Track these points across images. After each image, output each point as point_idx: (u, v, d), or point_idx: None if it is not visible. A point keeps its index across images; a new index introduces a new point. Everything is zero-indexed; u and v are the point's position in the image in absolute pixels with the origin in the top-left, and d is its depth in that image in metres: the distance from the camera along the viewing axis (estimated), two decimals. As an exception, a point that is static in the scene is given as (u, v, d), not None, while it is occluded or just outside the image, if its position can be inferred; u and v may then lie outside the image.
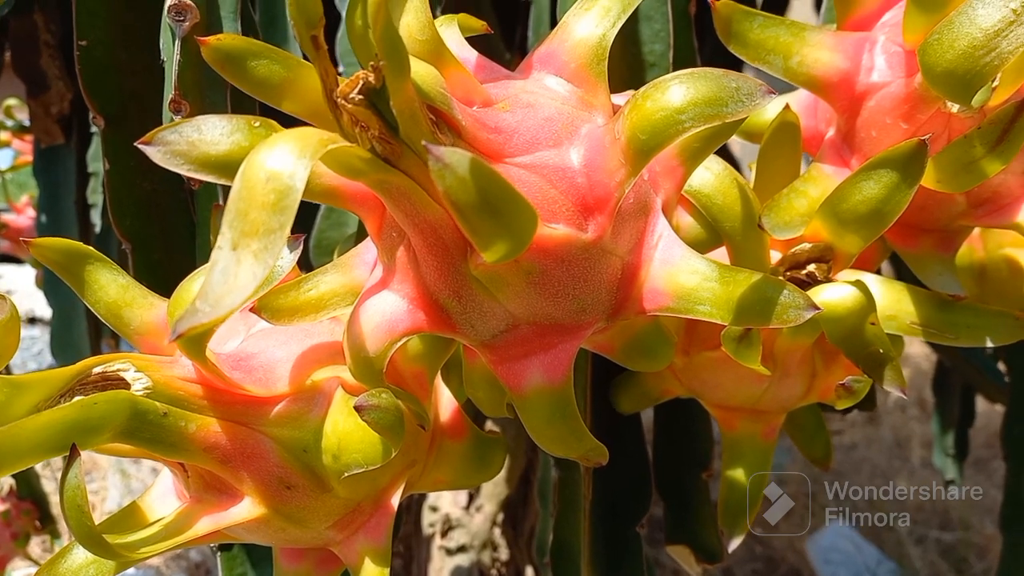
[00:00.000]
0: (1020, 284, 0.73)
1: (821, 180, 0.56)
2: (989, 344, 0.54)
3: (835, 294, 0.50)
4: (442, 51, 0.44)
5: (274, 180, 0.33)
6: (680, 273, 0.46)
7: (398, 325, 0.46)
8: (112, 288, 0.57)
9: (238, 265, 0.33)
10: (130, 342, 0.58)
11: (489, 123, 0.43)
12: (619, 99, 0.53)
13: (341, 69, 0.73)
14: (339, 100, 0.37)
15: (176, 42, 0.56)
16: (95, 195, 1.42)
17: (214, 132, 0.39)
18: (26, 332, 3.73)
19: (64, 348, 1.57)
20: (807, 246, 0.54)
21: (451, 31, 0.53)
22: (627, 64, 0.64)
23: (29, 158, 2.30)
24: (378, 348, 0.46)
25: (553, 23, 0.73)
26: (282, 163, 0.34)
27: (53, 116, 1.53)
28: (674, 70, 0.66)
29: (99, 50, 0.65)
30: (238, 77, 0.45)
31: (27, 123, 2.05)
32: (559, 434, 0.48)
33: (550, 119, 0.45)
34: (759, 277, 0.44)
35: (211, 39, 0.44)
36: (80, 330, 1.51)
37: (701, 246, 0.54)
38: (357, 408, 0.44)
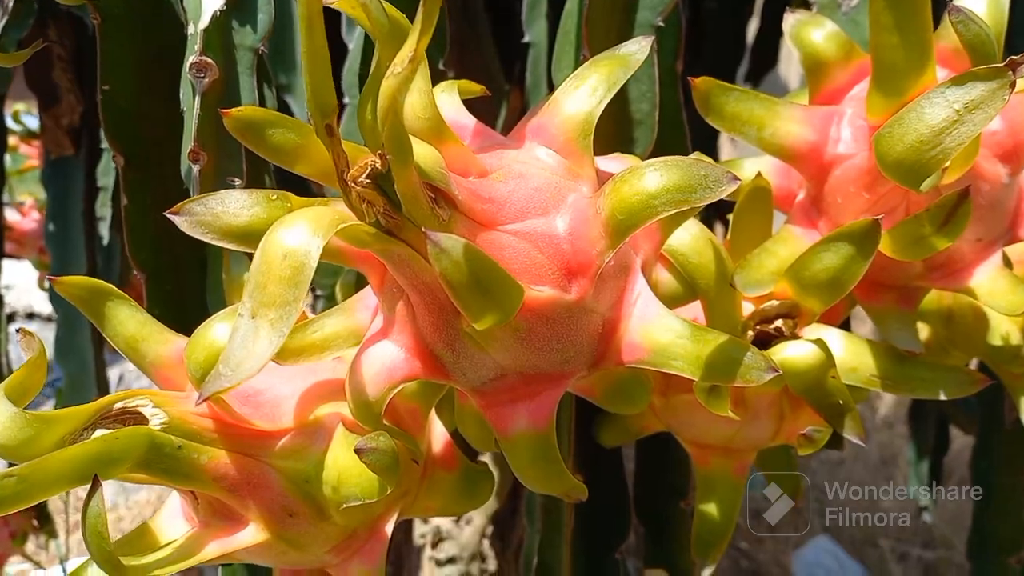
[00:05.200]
0: (983, 329, 0.77)
1: (790, 241, 0.60)
2: (943, 396, 0.59)
3: (797, 351, 0.55)
4: (442, 128, 0.48)
5: (290, 257, 0.38)
6: (656, 330, 0.50)
7: (396, 372, 0.50)
8: (131, 324, 0.61)
9: (256, 333, 0.37)
10: (145, 373, 0.62)
11: (483, 194, 0.48)
12: (605, 162, 0.58)
13: (346, 100, 0.77)
14: (349, 182, 0.41)
15: (196, 97, 0.61)
16: (103, 208, 1.46)
17: (236, 205, 0.43)
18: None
19: (68, 353, 1.61)
20: (775, 303, 0.58)
21: (451, 98, 0.57)
22: (615, 120, 0.69)
23: (35, 163, 2.35)
24: (378, 393, 0.50)
25: (550, 61, 0.78)
26: (298, 241, 0.38)
27: (64, 128, 1.57)
28: (660, 125, 0.71)
29: (122, 97, 0.70)
30: (256, 144, 0.50)
31: (33, 127, 2.10)
32: (541, 474, 0.52)
33: (539, 189, 0.49)
34: (726, 339, 0.48)
35: (233, 111, 0.49)
36: (84, 335, 1.55)
37: (677, 300, 0.59)
38: (357, 451, 0.48)
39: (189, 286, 0.76)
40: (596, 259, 0.48)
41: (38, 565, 2.62)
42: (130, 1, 0.70)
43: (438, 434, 0.66)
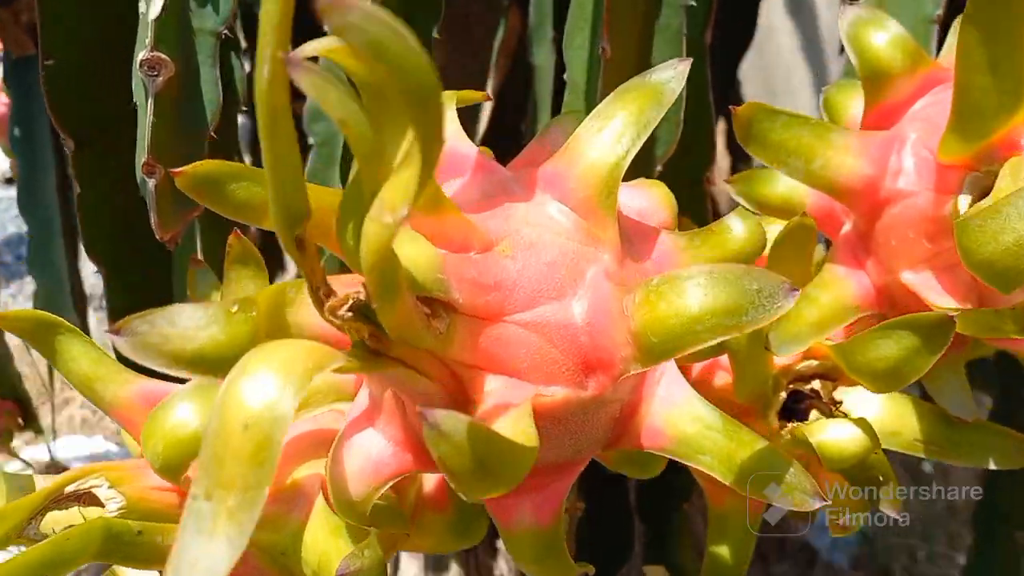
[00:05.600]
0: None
1: (833, 285, 0.53)
2: (992, 465, 0.53)
3: (839, 435, 0.48)
4: (439, 199, 0.40)
5: (253, 428, 0.30)
6: (682, 418, 0.44)
7: (384, 469, 0.43)
8: (84, 361, 0.54)
9: (213, 525, 0.30)
10: (105, 413, 0.56)
11: (488, 281, 0.40)
12: (628, 194, 0.49)
13: (311, 141, 0.68)
14: (327, 312, 0.33)
15: (149, 100, 0.51)
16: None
17: (188, 324, 0.35)
18: (3, 192, 3.69)
19: (42, 265, 1.54)
20: (814, 363, 0.51)
21: (448, 120, 0.48)
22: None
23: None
24: (362, 493, 0.44)
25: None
26: (263, 402, 0.31)
27: (23, 25, 1.44)
28: (686, 105, 0.62)
29: (70, 70, 0.60)
30: (217, 203, 0.41)
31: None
32: (545, 570, 0.47)
33: (553, 264, 0.41)
34: (766, 446, 0.42)
35: (186, 169, 0.40)
36: (57, 248, 1.48)
37: (702, 355, 0.52)
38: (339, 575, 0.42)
39: (153, 276, 0.69)
40: (619, 364, 0.40)
41: (28, 465, 2.64)
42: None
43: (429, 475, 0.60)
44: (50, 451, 2.25)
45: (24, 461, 2.58)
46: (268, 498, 0.49)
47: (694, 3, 0.57)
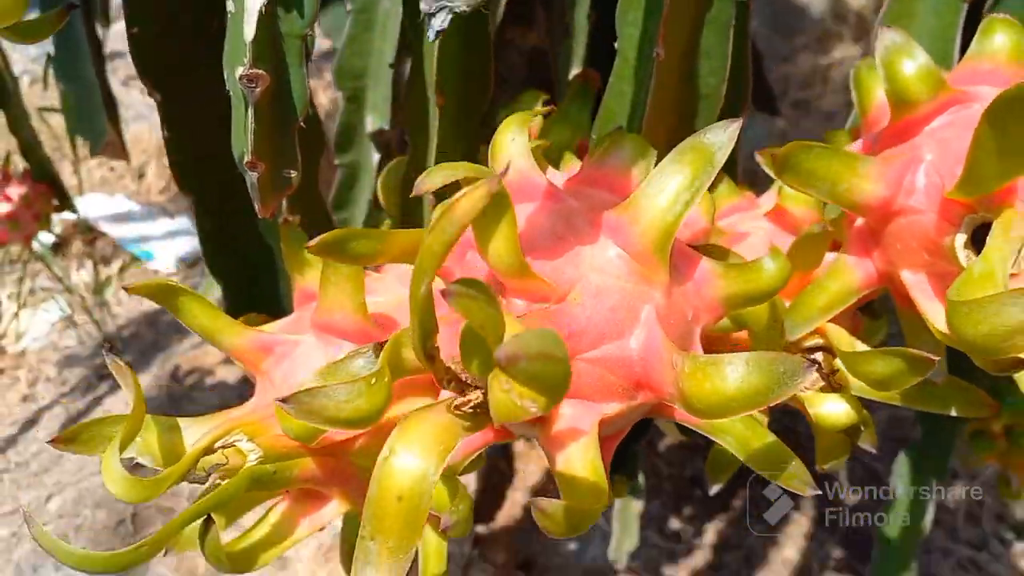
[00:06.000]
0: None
1: (842, 274, 0.62)
2: (954, 413, 0.65)
3: (832, 410, 0.60)
4: (523, 270, 0.48)
5: (405, 500, 0.42)
6: (712, 410, 0.55)
7: (473, 442, 0.55)
8: (204, 318, 0.65)
9: (378, 562, 0.43)
10: (228, 355, 0.67)
11: (564, 332, 0.49)
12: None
13: (348, 7, 0.71)
14: (452, 407, 0.44)
15: (249, 109, 0.57)
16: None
17: (341, 398, 0.45)
18: None
19: (72, 79, 1.57)
20: (820, 342, 0.62)
21: (521, 150, 0.55)
22: (682, 93, 0.65)
23: None
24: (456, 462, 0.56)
25: None
26: (412, 478, 0.42)
27: None
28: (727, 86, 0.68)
29: (150, 39, 0.64)
30: (340, 256, 0.50)
31: None
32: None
33: (615, 309, 0.51)
34: (775, 440, 0.53)
35: (314, 243, 0.48)
36: (84, 61, 1.50)
37: (723, 330, 0.62)
38: (443, 530, 0.56)
39: (229, 199, 0.77)
40: (665, 389, 0.51)
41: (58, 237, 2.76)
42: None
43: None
44: (77, 211, 2.36)
45: (55, 235, 2.71)
46: (368, 432, 0.63)
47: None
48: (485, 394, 0.43)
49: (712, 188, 0.73)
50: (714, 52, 0.63)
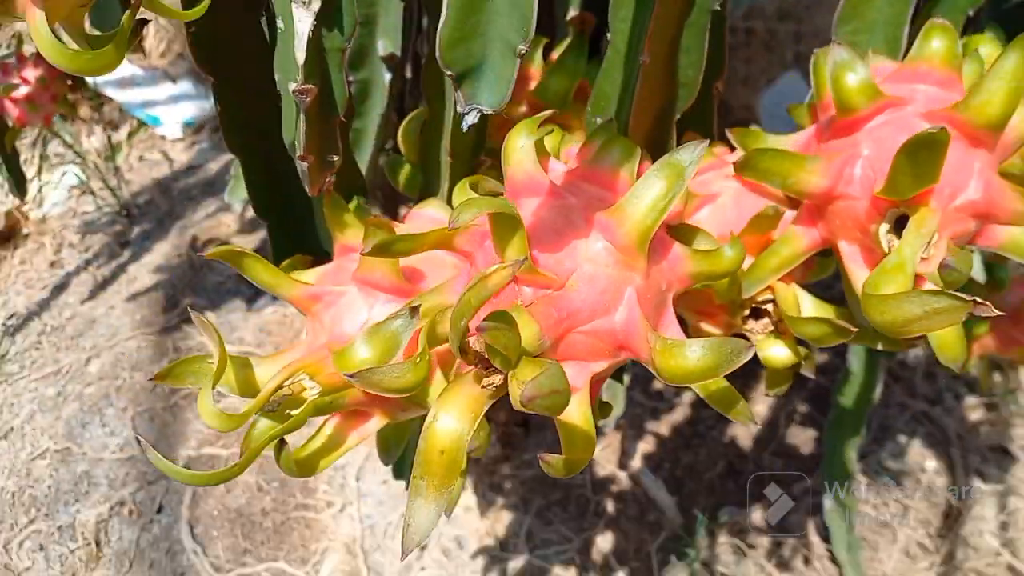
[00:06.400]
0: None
1: (792, 241, 0.75)
2: (880, 347, 0.80)
3: (776, 352, 0.75)
4: (531, 268, 0.61)
5: (447, 453, 0.58)
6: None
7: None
8: (265, 275, 0.78)
9: (426, 495, 0.58)
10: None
11: (563, 314, 0.63)
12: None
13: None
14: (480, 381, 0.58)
15: (301, 115, 0.68)
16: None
17: (394, 373, 0.60)
18: None
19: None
20: (770, 298, 0.76)
21: (528, 155, 0.67)
22: (665, 82, 0.76)
23: None
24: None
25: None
26: (451, 437, 0.58)
27: None
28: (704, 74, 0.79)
29: (208, 35, 0.74)
30: (389, 254, 0.64)
31: None
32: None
33: (604, 291, 0.64)
34: (726, 385, 0.69)
35: (368, 247, 0.61)
36: None
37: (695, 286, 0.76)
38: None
39: (274, 160, 0.89)
40: (641, 353, 0.65)
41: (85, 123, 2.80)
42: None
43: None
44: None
45: (82, 119, 2.76)
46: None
47: (719, 7, 0.70)
48: (503, 377, 0.58)
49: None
50: (692, 49, 0.73)
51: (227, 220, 2.48)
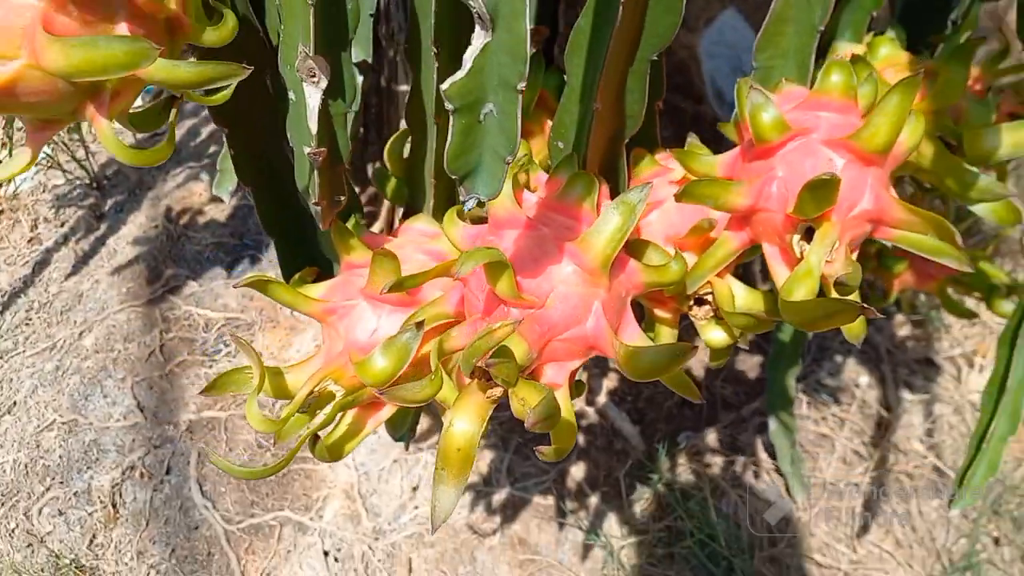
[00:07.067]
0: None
1: (725, 244, 0.92)
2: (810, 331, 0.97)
3: (715, 335, 0.92)
4: (517, 295, 0.77)
5: (462, 450, 0.74)
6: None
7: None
8: (286, 296, 0.93)
9: (447, 482, 0.75)
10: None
11: (544, 328, 0.79)
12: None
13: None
14: (486, 394, 0.74)
15: (315, 171, 0.82)
16: None
17: (415, 389, 0.75)
18: None
19: None
20: (710, 291, 0.93)
21: (507, 196, 0.81)
22: (615, 116, 0.91)
23: None
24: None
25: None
26: (465, 438, 0.74)
27: None
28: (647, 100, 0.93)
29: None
30: (401, 289, 0.79)
31: None
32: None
33: (576, 307, 0.80)
34: (679, 371, 0.86)
35: (384, 287, 0.76)
36: None
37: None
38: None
39: (282, 194, 1.02)
40: (608, 353, 0.81)
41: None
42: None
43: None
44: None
45: None
46: (405, 375, 0.93)
47: (656, 58, 0.85)
48: (505, 392, 0.74)
49: (637, 163, 1.01)
50: (635, 90, 0.88)
51: (198, 189, 2.57)
